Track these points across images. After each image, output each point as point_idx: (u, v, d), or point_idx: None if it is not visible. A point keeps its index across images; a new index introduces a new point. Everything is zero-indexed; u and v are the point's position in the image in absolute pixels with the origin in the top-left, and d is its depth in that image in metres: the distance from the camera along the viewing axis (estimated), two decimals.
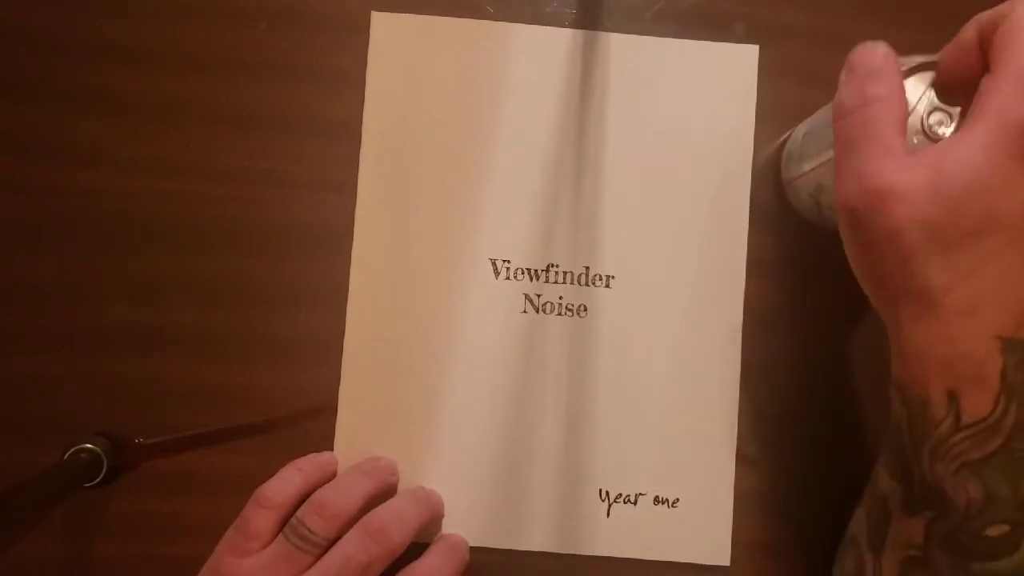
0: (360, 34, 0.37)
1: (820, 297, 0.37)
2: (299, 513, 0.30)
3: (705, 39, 0.37)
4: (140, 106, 0.36)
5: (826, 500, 0.36)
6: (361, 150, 0.36)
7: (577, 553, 0.35)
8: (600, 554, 0.35)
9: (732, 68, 0.37)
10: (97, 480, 0.33)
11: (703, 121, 0.37)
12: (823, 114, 0.32)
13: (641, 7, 0.37)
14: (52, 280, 0.36)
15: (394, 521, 0.31)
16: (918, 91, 0.28)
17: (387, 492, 0.34)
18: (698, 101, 0.37)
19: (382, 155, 0.37)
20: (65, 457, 0.33)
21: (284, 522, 0.31)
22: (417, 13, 0.37)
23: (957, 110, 0.27)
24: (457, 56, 0.37)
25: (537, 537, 0.35)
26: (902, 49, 0.29)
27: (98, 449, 0.33)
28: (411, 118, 0.37)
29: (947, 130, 0.28)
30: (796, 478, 0.36)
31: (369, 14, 0.37)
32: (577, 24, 0.37)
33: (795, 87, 0.37)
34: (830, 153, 0.31)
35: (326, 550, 0.30)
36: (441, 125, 0.37)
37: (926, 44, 0.29)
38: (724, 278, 0.36)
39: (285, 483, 0.32)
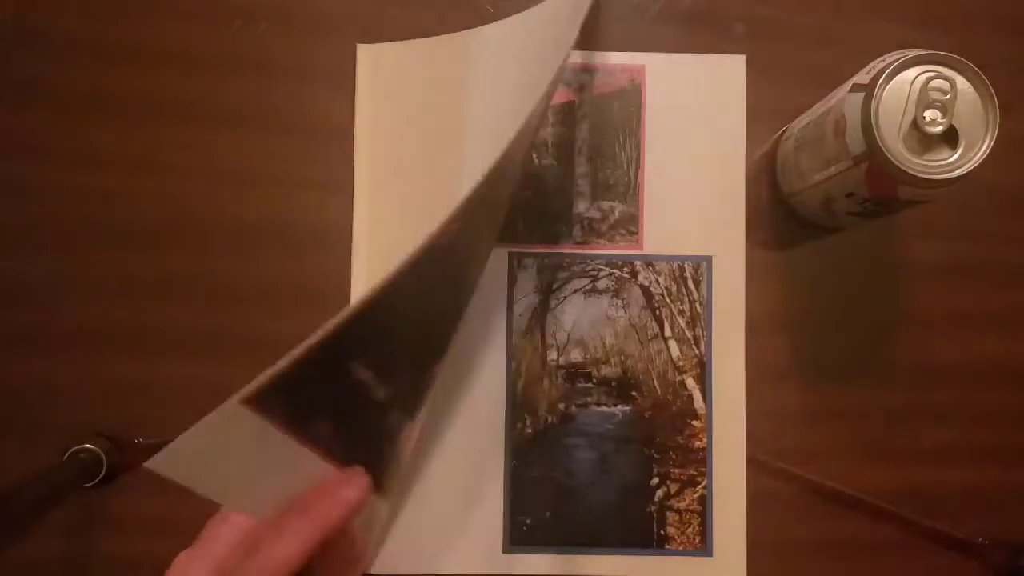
0: (360, 37, 0.37)
1: (821, 298, 0.37)
2: None
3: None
4: (140, 106, 0.36)
5: (835, 503, 0.35)
6: (355, 160, 0.36)
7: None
8: None
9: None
10: (97, 480, 0.33)
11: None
12: (814, 127, 0.32)
13: (641, 7, 0.37)
14: (52, 280, 0.36)
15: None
16: (912, 85, 0.27)
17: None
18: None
19: (376, 164, 0.36)
20: (65, 457, 0.33)
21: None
22: (416, 14, 0.37)
23: (953, 106, 0.27)
24: (443, 72, 0.37)
25: None
26: (899, 44, 0.29)
27: (98, 449, 0.33)
28: (403, 135, 0.37)
29: (941, 127, 0.27)
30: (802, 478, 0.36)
31: (368, 14, 0.37)
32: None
33: (794, 87, 0.36)
34: (831, 169, 0.31)
35: None
36: (431, 136, 0.36)
37: (923, 39, 0.29)
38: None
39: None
